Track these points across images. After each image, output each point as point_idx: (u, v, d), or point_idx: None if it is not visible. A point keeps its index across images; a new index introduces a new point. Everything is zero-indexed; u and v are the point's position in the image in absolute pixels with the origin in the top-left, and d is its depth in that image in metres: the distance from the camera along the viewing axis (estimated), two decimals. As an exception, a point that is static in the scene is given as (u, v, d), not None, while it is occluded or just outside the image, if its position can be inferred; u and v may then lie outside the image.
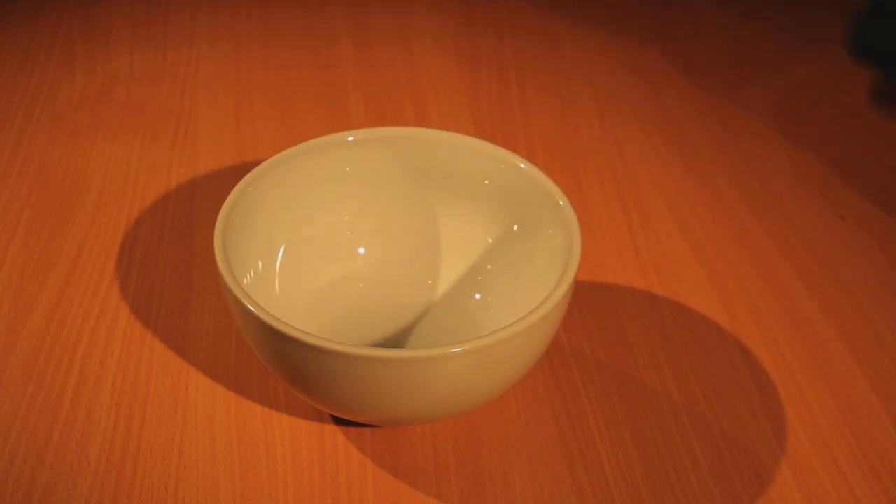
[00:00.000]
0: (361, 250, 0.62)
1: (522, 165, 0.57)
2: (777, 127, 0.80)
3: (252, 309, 0.46)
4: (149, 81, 0.84)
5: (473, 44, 0.89)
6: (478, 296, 0.60)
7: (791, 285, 0.65)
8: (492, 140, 0.58)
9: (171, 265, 0.65)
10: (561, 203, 0.54)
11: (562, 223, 0.53)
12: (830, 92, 0.85)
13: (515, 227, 0.59)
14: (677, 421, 0.55)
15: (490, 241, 0.60)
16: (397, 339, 0.58)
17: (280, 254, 0.59)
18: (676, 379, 0.58)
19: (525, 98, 0.82)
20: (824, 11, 0.96)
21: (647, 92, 0.84)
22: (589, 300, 0.63)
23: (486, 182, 0.59)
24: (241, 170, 0.57)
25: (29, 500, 0.50)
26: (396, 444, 0.54)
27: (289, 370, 0.47)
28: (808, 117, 0.82)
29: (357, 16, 0.94)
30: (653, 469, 0.53)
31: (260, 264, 0.57)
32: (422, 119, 0.80)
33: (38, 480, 0.51)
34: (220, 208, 0.52)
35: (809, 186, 0.74)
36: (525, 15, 0.94)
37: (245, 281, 0.54)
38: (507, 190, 0.58)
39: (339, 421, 0.54)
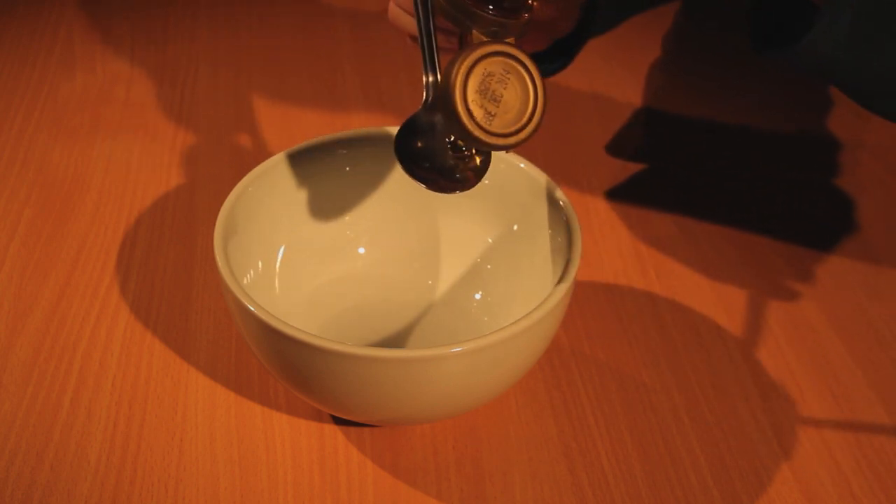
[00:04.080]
0: (361, 250, 0.62)
1: (522, 165, 0.57)
2: (777, 127, 0.80)
3: (252, 309, 0.46)
4: (149, 81, 0.84)
5: (473, 44, 0.89)
6: (478, 296, 0.60)
7: (791, 285, 0.65)
8: (492, 140, 0.58)
9: (171, 265, 0.65)
10: (561, 203, 0.54)
11: (562, 223, 0.53)
12: (830, 93, 0.85)
13: (515, 227, 0.59)
14: (677, 421, 0.55)
15: (490, 241, 0.60)
16: (397, 339, 0.58)
17: (280, 254, 0.59)
18: (676, 379, 0.58)
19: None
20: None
21: (647, 92, 0.84)
22: (589, 300, 0.63)
23: (486, 182, 0.59)
24: (241, 170, 0.57)
25: (29, 500, 0.50)
26: (396, 444, 0.54)
27: (289, 370, 0.47)
28: (808, 118, 0.82)
29: (357, 16, 0.94)
30: (653, 469, 0.53)
31: (260, 264, 0.57)
32: (422, 119, 0.80)
33: (38, 480, 0.51)
34: (220, 208, 0.52)
35: (809, 186, 0.74)
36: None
37: (245, 281, 0.54)
38: (507, 190, 0.58)
39: (339, 421, 0.54)
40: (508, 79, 0.43)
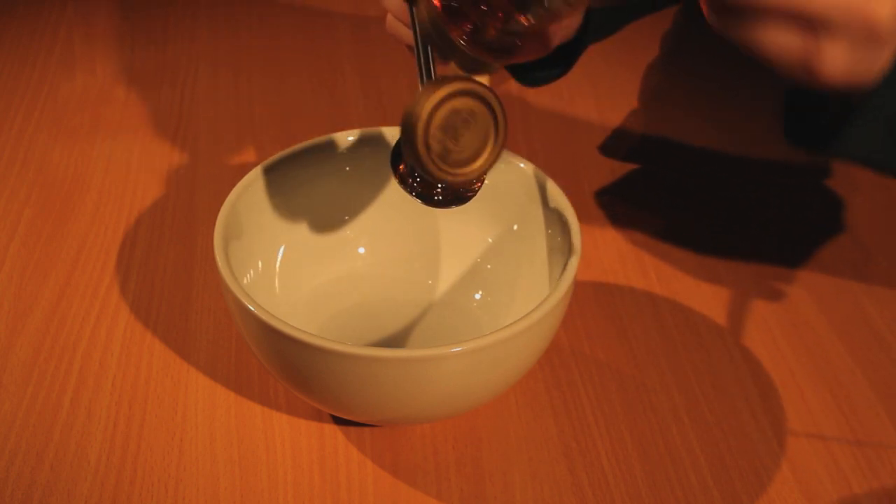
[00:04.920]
0: (361, 250, 0.62)
1: (522, 165, 0.57)
2: (776, 127, 0.80)
3: (252, 309, 0.46)
4: (149, 81, 0.84)
5: (473, 44, 0.89)
6: (478, 295, 0.60)
7: (791, 286, 0.65)
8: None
9: (171, 265, 0.65)
10: (561, 203, 0.54)
11: (561, 223, 0.53)
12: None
13: (515, 227, 0.59)
14: (677, 421, 0.55)
15: (490, 240, 0.60)
16: (397, 339, 0.58)
17: (280, 254, 0.59)
18: (676, 379, 0.58)
19: (525, 98, 0.82)
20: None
21: (647, 92, 0.84)
22: (589, 300, 0.63)
23: (486, 182, 0.59)
24: (241, 170, 0.57)
25: (29, 500, 0.50)
26: (396, 444, 0.54)
27: (289, 370, 0.47)
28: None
29: (358, 17, 0.94)
30: (653, 469, 0.53)
31: (260, 264, 0.57)
32: (422, 119, 0.80)
33: (38, 480, 0.51)
34: (220, 208, 0.52)
35: (808, 187, 0.74)
36: (525, 15, 0.94)
37: (245, 281, 0.54)
38: (506, 190, 0.58)
39: (339, 421, 0.54)
40: (472, 121, 0.44)
